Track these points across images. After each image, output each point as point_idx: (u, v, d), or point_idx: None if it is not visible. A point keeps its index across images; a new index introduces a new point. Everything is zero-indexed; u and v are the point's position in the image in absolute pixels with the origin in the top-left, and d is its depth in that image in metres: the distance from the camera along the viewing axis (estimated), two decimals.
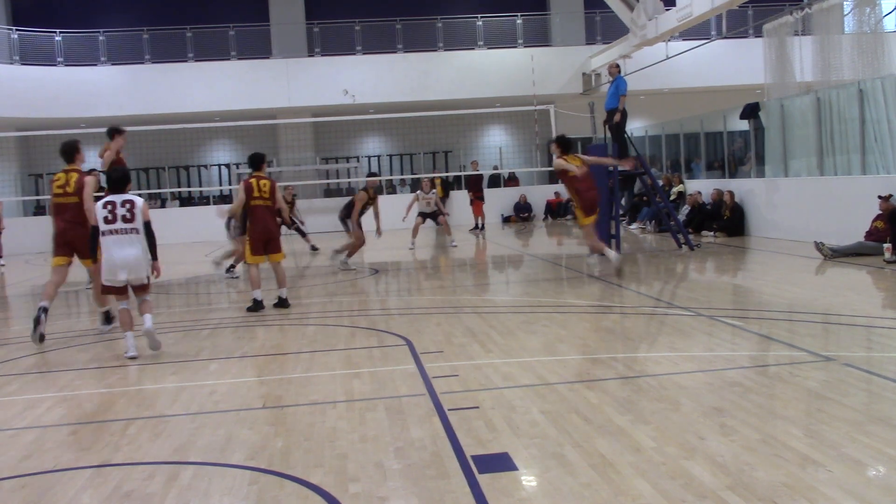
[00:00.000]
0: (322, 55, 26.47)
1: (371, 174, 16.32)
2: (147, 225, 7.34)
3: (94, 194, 8.34)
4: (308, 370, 6.58)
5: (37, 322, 8.00)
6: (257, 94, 25.10)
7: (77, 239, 8.25)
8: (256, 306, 9.73)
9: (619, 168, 13.97)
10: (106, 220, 7.25)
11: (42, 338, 8.05)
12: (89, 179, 8.36)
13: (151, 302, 7.61)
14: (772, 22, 17.13)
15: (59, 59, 25.25)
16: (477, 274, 13.36)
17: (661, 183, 19.32)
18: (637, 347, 6.93)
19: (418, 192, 18.05)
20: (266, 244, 9.83)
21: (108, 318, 8.86)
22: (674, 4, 19.11)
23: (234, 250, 13.45)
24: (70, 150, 8.43)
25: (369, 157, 28.62)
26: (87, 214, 8.07)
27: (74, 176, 8.34)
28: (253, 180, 9.79)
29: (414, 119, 25.40)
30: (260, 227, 9.79)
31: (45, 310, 8.07)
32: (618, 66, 14.93)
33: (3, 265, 19.06)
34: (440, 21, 26.76)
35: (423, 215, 17.76)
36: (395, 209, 18.73)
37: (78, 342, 8.44)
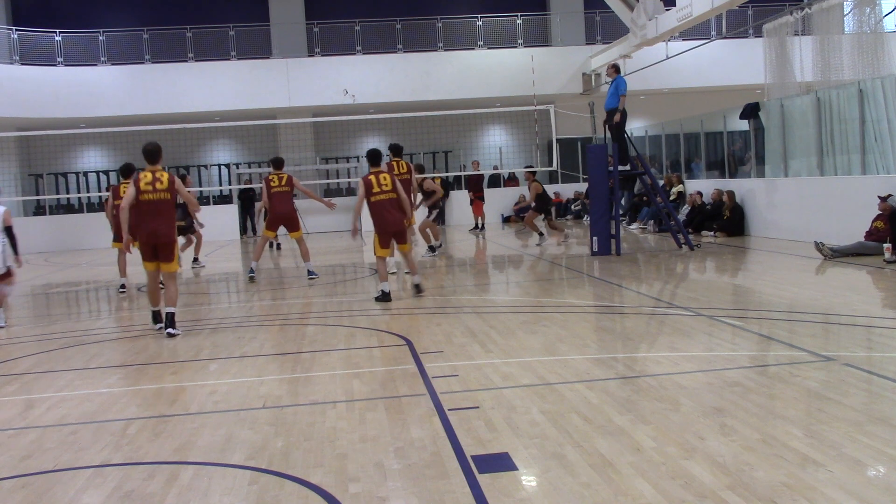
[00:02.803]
0: (322, 55, 26.46)
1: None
2: (8, 230, 9.49)
3: None
4: (308, 370, 6.58)
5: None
6: (257, 94, 25.10)
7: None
8: (385, 297, 9.80)
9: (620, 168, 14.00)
10: None
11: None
12: None
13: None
14: (772, 22, 17.13)
15: (59, 59, 25.24)
16: (477, 274, 13.36)
17: (661, 183, 19.33)
18: (637, 347, 6.93)
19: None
20: (394, 236, 10.04)
21: (156, 318, 8.84)
22: (674, 4, 19.10)
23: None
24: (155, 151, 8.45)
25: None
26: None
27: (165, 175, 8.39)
28: (372, 176, 9.89)
29: (414, 119, 25.39)
30: (385, 220, 9.83)
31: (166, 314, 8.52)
32: (617, 66, 14.93)
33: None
34: (440, 21, 26.76)
35: None
36: None
37: (78, 342, 8.44)
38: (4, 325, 9.56)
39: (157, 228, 8.24)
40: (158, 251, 8.33)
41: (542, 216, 17.11)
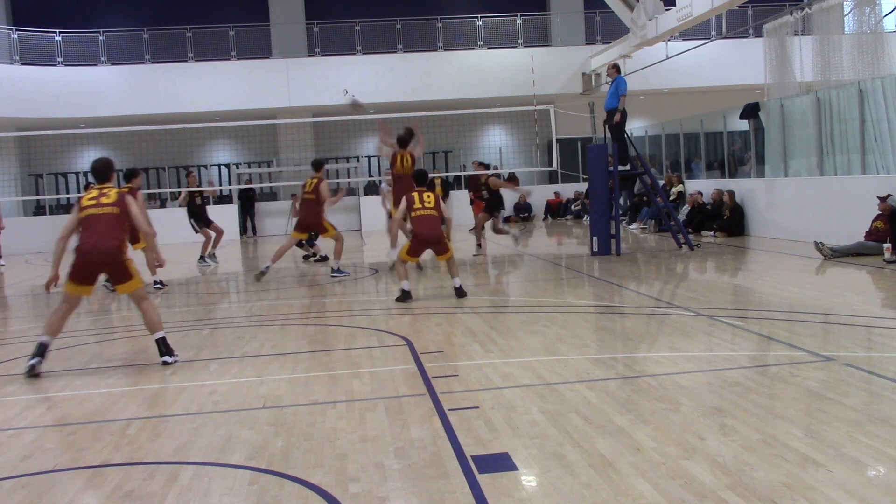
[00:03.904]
0: (322, 55, 26.46)
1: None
2: None
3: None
4: (308, 370, 6.58)
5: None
6: (257, 94, 25.09)
7: None
8: (406, 296, 9.86)
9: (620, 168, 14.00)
10: None
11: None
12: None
13: None
14: (772, 22, 17.13)
15: (59, 59, 25.24)
16: (477, 274, 13.36)
17: (662, 183, 19.32)
18: (637, 347, 6.93)
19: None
20: (431, 246, 10.26)
21: (40, 350, 7.06)
22: (674, 4, 19.10)
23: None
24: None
25: (369, 157, 28.62)
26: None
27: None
28: (415, 194, 10.30)
29: (414, 119, 25.38)
30: (424, 233, 10.10)
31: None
32: (617, 66, 14.93)
33: (3, 265, 19.06)
34: (440, 21, 26.76)
35: None
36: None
37: (78, 342, 8.44)
38: None
39: (99, 246, 6.97)
40: (109, 273, 7.25)
41: (491, 216, 15.79)
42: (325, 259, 15.47)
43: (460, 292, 10.03)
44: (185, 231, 16.97)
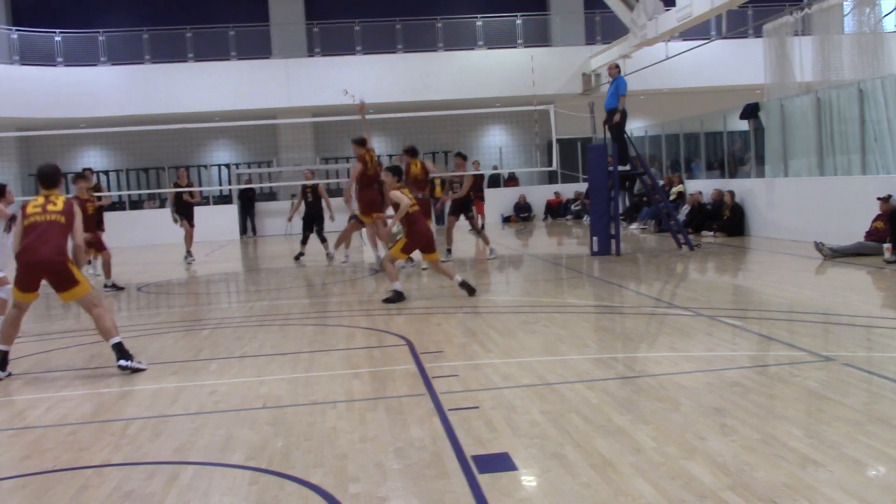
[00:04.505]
0: (322, 55, 26.46)
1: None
2: None
3: None
4: (308, 370, 6.58)
5: None
6: (257, 94, 25.09)
7: None
8: (399, 297, 9.84)
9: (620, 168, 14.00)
10: None
11: None
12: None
13: None
14: (772, 22, 17.14)
15: (59, 59, 25.23)
16: (477, 274, 13.36)
17: (661, 183, 19.32)
18: (637, 347, 6.93)
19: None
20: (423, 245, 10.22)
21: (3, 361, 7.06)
22: (674, 4, 19.10)
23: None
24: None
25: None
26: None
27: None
28: (406, 189, 10.33)
29: (414, 119, 25.37)
30: (421, 230, 10.08)
31: None
32: (617, 66, 14.93)
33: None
34: (440, 21, 26.76)
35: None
36: None
37: (78, 342, 8.44)
38: None
39: (42, 255, 6.80)
40: (52, 281, 6.95)
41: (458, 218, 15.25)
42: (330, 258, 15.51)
43: (469, 288, 9.89)
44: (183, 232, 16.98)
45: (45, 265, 6.84)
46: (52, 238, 6.88)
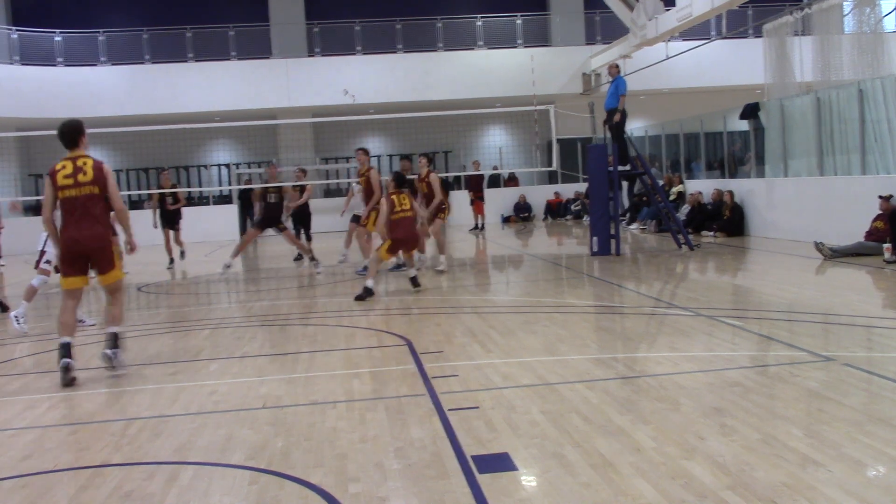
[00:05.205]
0: (322, 55, 26.47)
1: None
2: None
3: None
4: (308, 370, 6.58)
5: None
6: (257, 94, 25.10)
7: None
8: (368, 293, 10.20)
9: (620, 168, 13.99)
10: None
11: None
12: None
13: None
14: (772, 22, 17.14)
15: (59, 59, 25.24)
16: (477, 274, 13.36)
17: (661, 183, 19.32)
18: (637, 347, 6.93)
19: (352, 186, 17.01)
20: (406, 245, 10.88)
21: (65, 351, 6.59)
22: (674, 4, 19.11)
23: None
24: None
25: (369, 158, 28.62)
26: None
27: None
28: (394, 196, 10.75)
29: (414, 119, 25.40)
30: (405, 234, 10.70)
31: None
32: (617, 66, 14.93)
33: (2, 265, 19.07)
34: (440, 21, 26.76)
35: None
36: None
37: (77, 342, 8.43)
38: None
39: (83, 232, 6.48)
40: (92, 261, 6.63)
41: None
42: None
43: (415, 282, 10.60)
44: (184, 231, 16.96)
45: (92, 249, 6.57)
46: (95, 216, 6.55)
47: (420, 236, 10.98)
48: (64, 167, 6.56)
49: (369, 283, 10.27)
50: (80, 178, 6.51)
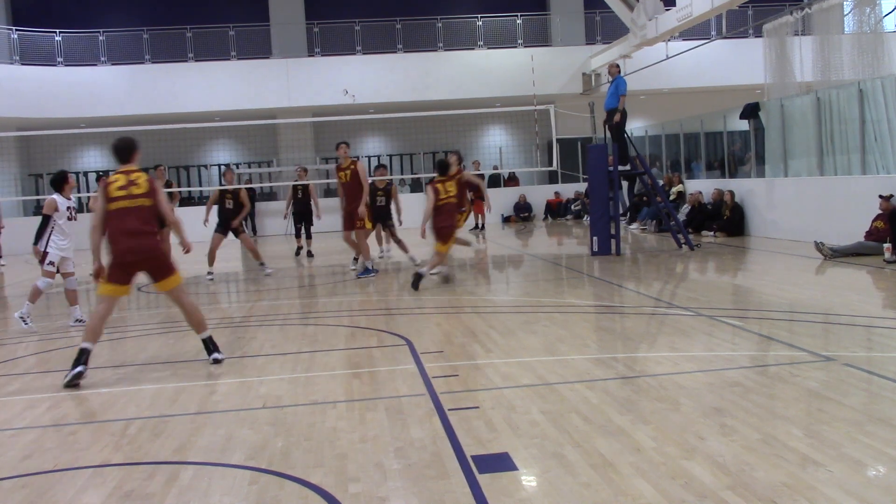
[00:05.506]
0: (322, 55, 26.47)
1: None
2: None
3: None
4: (308, 370, 6.58)
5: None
6: (257, 94, 25.10)
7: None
8: (445, 280, 11.07)
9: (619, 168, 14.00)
10: None
11: None
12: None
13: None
14: (772, 22, 17.13)
15: (59, 59, 25.24)
16: (477, 274, 13.36)
17: (661, 182, 19.32)
18: (637, 347, 6.93)
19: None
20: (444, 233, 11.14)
21: (82, 358, 6.63)
22: (674, 4, 19.11)
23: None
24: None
25: (369, 157, 28.60)
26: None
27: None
28: (439, 184, 11.12)
29: (414, 119, 25.41)
30: (444, 220, 11.08)
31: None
32: (618, 66, 14.93)
33: (3, 265, 19.07)
34: (440, 21, 26.76)
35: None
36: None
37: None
38: None
39: (138, 243, 6.61)
40: (150, 270, 6.75)
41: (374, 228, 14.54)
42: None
43: (418, 279, 10.72)
44: (185, 231, 16.91)
45: (146, 257, 6.68)
46: (147, 225, 6.71)
47: (454, 227, 11.29)
48: (117, 179, 6.77)
49: (440, 269, 10.96)
50: (134, 190, 6.73)
